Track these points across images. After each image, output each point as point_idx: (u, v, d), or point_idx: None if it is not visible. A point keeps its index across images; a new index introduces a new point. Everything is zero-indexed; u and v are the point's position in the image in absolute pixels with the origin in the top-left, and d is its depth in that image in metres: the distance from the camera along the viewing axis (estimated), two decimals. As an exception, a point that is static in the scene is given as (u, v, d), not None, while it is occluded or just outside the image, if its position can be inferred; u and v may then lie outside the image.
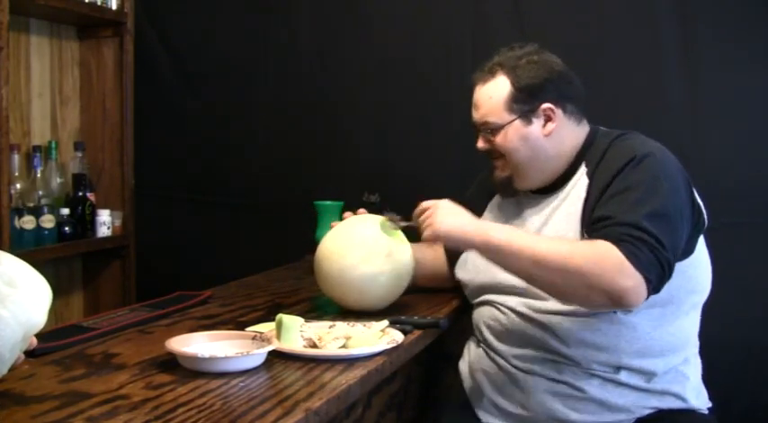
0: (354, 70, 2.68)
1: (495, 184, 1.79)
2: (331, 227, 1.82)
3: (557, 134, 1.69)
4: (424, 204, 1.63)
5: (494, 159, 1.75)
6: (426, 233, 1.59)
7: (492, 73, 1.71)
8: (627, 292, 1.43)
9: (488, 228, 1.58)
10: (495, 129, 1.69)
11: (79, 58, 2.90)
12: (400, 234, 1.76)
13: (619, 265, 1.43)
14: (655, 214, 1.49)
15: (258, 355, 1.31)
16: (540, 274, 1.51)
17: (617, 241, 1.46)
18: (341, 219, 1.88)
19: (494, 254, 1.54)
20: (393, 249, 1.72)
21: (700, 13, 2.30)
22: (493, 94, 1.69)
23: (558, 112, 1.68)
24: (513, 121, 1.67)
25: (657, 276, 1.46)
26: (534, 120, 1.68)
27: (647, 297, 1.47)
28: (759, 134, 2.28)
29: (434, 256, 1.93)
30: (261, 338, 1.39)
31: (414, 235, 1.71)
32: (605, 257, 1.45)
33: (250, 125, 2.81)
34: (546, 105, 1.67)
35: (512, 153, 1.69)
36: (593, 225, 1.55)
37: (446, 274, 1.92)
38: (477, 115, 1.73)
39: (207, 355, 1.29)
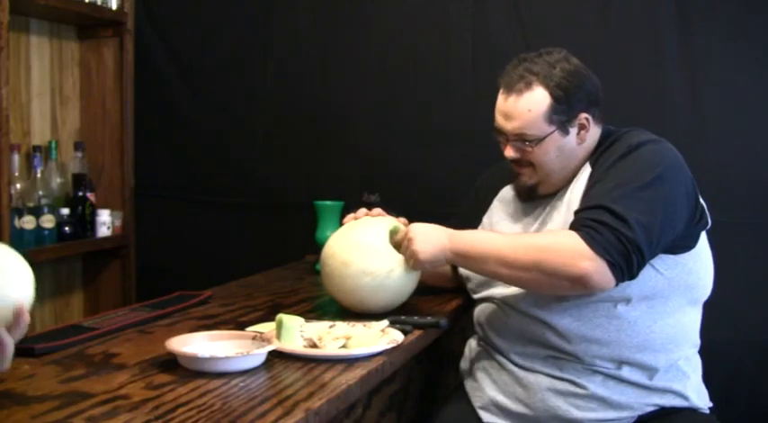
0: (354, 70, 2.68)
1: (518, 190, 1.78)
2: (342, 223, 1.81)
3: (587, 140, 1.68)
4: (399, 236, 1.69)
5: (521, 167, 1.71)
6: (412, 264, 1.66)
7: (527, 84, 1.64)
8: (588, 276, 1.46)
9: (458, 238, 1.62)
10: (533, 141, 1.65)
11: (79, 58, 2.90)
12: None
13: (575, 250, 1.47)
14: (626, 194, 1.50)
15: (258, 355, 1.32)
16: (508, 273, 1.56)
17: (578, 227, 1.50)
18: (342, 217, 1.87)
19: (466, 261, 1.63)
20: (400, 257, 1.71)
21: (700, 13, 2.31)
22: (532, 106, 1.63)
23: (590, 118, 1.67)
24: (553, 132, 1.64)
25: (622, 256, 1.46)
26: (570, 129, 1.66)
27: (622, 278, 1.48)
28: (759, 134, 2.28)
29: None
30: (261, 338, 1.39)
31: None
32: (562, 245, 1.49)
33: (250, 125, 2.81)
34: (583, 115, 1.66)
35: (546, 163, 1.67)
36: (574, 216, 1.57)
37: (449, 273, 1.92)
38: (510, 126, 1.67)
39: (207, 355, 1.29)
